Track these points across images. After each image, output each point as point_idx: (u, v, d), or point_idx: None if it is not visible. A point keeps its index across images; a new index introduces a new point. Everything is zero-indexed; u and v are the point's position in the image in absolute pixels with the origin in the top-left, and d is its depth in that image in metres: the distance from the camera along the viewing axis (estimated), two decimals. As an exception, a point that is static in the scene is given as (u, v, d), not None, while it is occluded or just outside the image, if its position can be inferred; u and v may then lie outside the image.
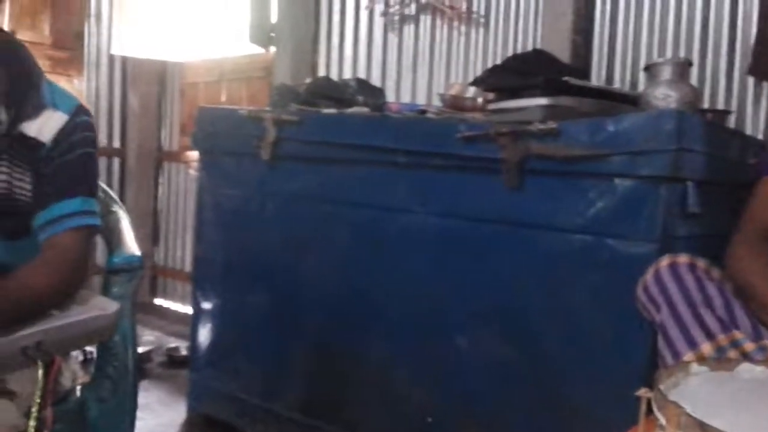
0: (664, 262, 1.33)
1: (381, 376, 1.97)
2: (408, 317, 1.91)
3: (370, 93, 2.35)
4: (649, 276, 1.34)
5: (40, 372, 1.00)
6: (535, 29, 2.54)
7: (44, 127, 1.19)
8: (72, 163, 1.21)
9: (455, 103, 2.22)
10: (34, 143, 1.19)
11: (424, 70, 2.88)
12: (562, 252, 1.63)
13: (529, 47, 2.52)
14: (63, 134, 1.20)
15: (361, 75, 2.99)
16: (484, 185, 1.75)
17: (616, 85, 2.37)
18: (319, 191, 2.12)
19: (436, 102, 2.56)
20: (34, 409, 0.99)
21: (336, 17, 3.19)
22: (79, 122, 1.23)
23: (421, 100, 2.85)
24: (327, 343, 2.10)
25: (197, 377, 2.48)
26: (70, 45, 3.97)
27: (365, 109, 2.21)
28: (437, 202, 1.85)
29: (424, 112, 2.14)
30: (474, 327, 1.78)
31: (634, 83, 2.35)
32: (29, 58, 1.24)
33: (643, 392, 0.88)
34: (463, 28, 2.76)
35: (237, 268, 2.36)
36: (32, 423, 0.99)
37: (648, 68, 1.90)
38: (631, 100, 1.89)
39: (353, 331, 2.04)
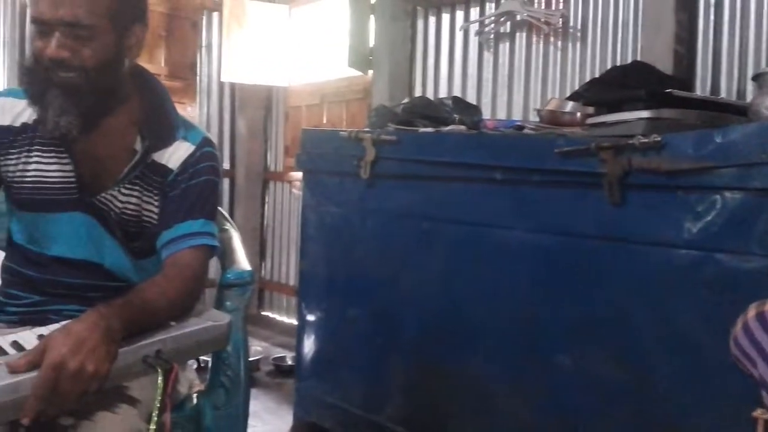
0: (751, 312, 1.25)
1: (480, 392, 1.97)
2: (507, 333, 1.91)
3: (466, 111, 2.37)
4: (738, 329, 1.26)
5: (160, 379, 1.06)
6: (635, 41, 2.49)
7: (173, 155, 1.30)
8: (196, 188, 1.30)
9: (553, 118, 2.20)
10: (163, 170, 1.29)
11: (519, 87, 2.88)
12: (668, 268, 1.58)
13: (628, 59, 2.47)
14: (189, 162, 1.30)
15: (457, 93, 3.01)
16: (584, 201, 1.73)
17: (722, 96, 2.28)
18: (418, 208, 2.16)
19: (533, 118, 2.55)
20: (153, 415, 1.05)
21: (431, 39, 3.24)
22: (205, 152, 1.33)
23: (517, 116, 2.84)
24: (426, 358, 2.13)
25: (302, 387, 2.57)
26: (184, 75, 4.25)
27: (462, 127, 2.23)
28: (535, 218, 1.85)
29: (521, 128, 2.14)
30: (575, 344, 1.76)
31: (741, 93, 2.25)
32: (164, 91, 1.35)
33: (759, 413, 0.84)
34: (559, 43, 2.74)
35: (339, 283, 2.43)
36: (152, 427, 1.05)
37: (756, 78, 1.82)
38: (738, 111, 1.82)
39: (452, 347, 2.05)
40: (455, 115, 2.30)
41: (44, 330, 1.10)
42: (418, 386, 2.15)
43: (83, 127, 1.19)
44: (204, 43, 4.45)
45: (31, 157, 1.27)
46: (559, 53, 2.75)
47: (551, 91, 2.76)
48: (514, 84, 2.90)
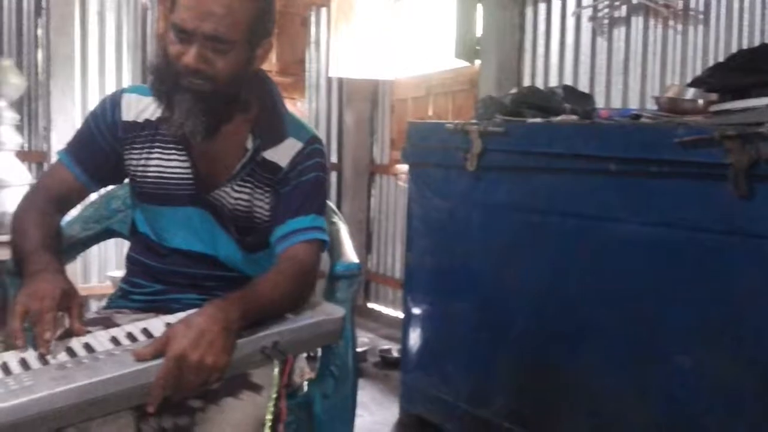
0: None
1: (592, 391, 1.91)
2: (621, 332, 1.84)
3: (578, 100, 2.30)
4: None
5: (276, 369, 1.11)
6: (763, 22, 2.31)
7: (283, 153, 1.34)
8: (305, 185, 1.34)
9: (672, 106, 2.09)
10: (274, 167, 1.34)
11: (636, 74, 2.75)
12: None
13: (756, 43, 2.30)
14: (298, 159, 1.34)
15: (568, 82, 2.92)
16: (706, 193, 1.64)
17: None
18: (526, 201, 2.12)
19: (651, 106, 2.43)
20: (270, 403, 1.10)
21: (541, 26, 3.16)
22: (313, 149, 1.36)
23: (633, 104, 2.72)
24: (536, 353, 2.09)
25: (408, 379, 2.58)
26: (294, 71, 4.37)
27: (573, 117, 2.17)
28: (652, 211, 1.77)
29: (637, 117, 2.04)
30: (696, 345, 1.67)
31: None
32: (276, 91, 1.39)
33: None
34: (679, 27, 2.59)
35: (446, 276, 2.42)
36: (268, 416, 1.10)
37: None
38: None
39: (562, 344, 2.00)
40: (566, 105, 2.23)
41: (172, 318, 1.16)
42: (526, 382, 2.12)
43: (206, 132, 1.25)
44: (313, 39, 4.55)
45: (152, 153, 1.33)
46: (679, 37, 2.60)
47: (670, 77, 2.62)
48: (630, 71, 2.77)
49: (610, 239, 1.87)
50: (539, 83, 3.10)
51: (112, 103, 1.36)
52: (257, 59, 1.30)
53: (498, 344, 2.20)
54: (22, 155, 3.34)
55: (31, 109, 3.72)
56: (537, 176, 2.07)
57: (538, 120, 2.17)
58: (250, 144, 1.32)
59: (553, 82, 3.04)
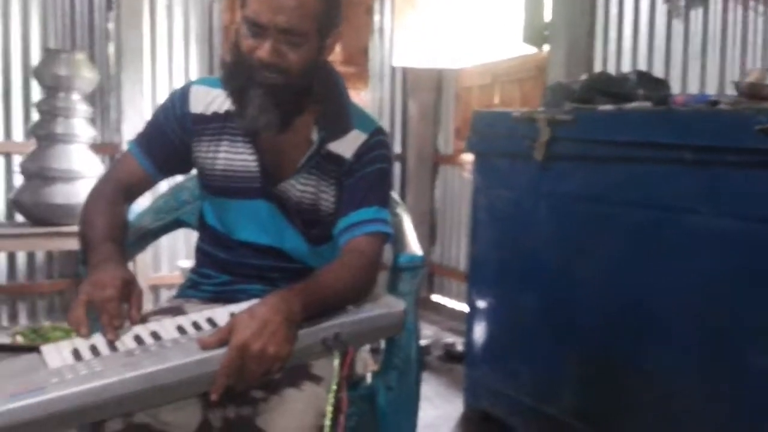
0: None
1: (662, 389, 1.84)
2: (693, 327, 1.77)
3: (652, 85, 2.20)
4: None
5: (336, 361, 1.11)
6: None
7: (348, 145, 1.34)
8: (369, 176, 1.33)
9: (753, 92, 1.97)
10: (338, 159, 1.34)
11: (714, 57, 2.62)
12: None
13: None
14: (362, 151, 1.34)
15: (642, 67, 2.82)
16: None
17: None
18: (596, 191, 2.05)
19: (730, 91, 2.31)
20: (330, 395, 1.11)
21: (614, 9, 3.05)
22: (377, 141, 1.36)
23: (711, 90, 2.60)
24: (603, 349, 2.03)
25: (473, 373, 2.55)
26: (358, 61, 4.36)
27: (647, 103, 2.08)
28: (730, 202, 1.68)
29: (715, 103, 1.94)
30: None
31: None
32: (341, 82, 1.39)
33: None
34: (761, 8, 2.45)
35: (511, 269, 2.38)
36: (329, 408, 1.11)
37: None
38: None
39: (632, 339, 1.93)
40: (640, 91, 2.14)
41: (235, 308, 1.17)
42: (594, 379, 2.06)
43: (281, 125, 1.26)
44: (377, 28, 4.54)
45: (221, 145, 1.35)
46: (761, 19, 2.46)
47: (751, 61, 2.49)
48: (708, 55, 2.65)
49: (683, 232, 1.79)
50: (611, 69, 3.01)
51: (181, 96, 1.37)
52: (326, 50, 1.30)
53: (565, 339, 2.15)
54: (95, 147, 3.46)
55: (103, 102, 3.86)
56: (608, 166, 2.00)
57: (609, 107, 2.10)
58: (315, 136, 1.32)
59: (626, 67, 2.94)
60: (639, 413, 1.91)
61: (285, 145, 1.32)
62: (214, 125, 1.35)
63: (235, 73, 1.26)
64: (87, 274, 1.17)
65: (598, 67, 3.09)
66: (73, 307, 1.11)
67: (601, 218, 2.03)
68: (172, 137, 1.37)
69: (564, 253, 2.16)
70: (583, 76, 2.40)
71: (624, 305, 1.96)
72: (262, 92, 1.22)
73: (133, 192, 1.40)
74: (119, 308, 1.11)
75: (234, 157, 1.34)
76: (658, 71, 2.75)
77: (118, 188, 1.36)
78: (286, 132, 1.28)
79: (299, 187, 1.33)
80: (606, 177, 2.02)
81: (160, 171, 1.40)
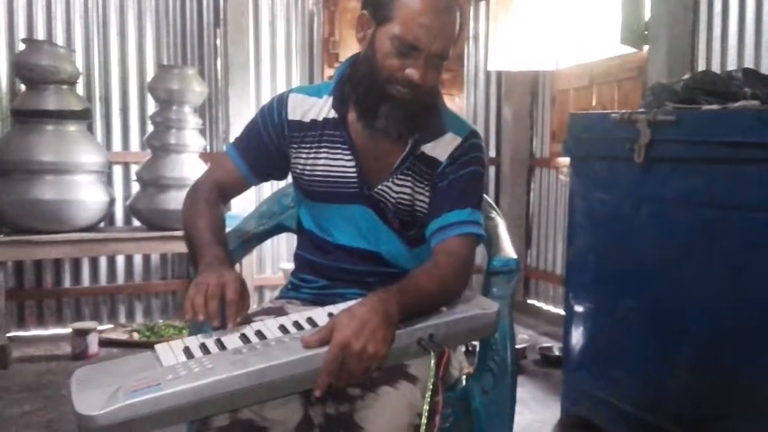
0: None
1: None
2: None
3: (761, 84, 2.10)
4: None
5: (432, 362, 1.12)
6: None
7: (442, 148, 1.36)
8: (463, 178, 1.35)
9: None
10: (433, 162, 1.36)
11: (831, 52, 2.47)
12: None
13: None
14: (456, 154, 1.36)
15: (749, 65, 2.69)
16: None
17: None
18: (701, 195, 1.98)
19: None
20: (427, 395, 1.12)
21: (717, 5, 2.92)
22: (471, 144, 1.38)
23: (827, 86, 2.43)
24: (713, 357, 1.95)
25: (570, 379, 2.51)
26: (453, 66, 4.38)
27: (755, 102, 1.99)
28: None
29: (831, 100, 1.84)
30: None
31: None
32: (436, 88, 1.41)
33: None
34: None
35: (610, 273, 2.33)
36: (426, 407, 1.11)
37: None
38: None
39: (740, 347, 1.85)
40: (747, 89, 2.05)
41: (333, 308, 1.22)
42: (701, 388, 1.98)
43: (406, 138, 1.32)
44: (472, 33, 4.55)
45: (320, 152, 1.39)
46: None
47: None
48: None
49: (798, 235, 1.70)
50: (715, 67, 2.88)
51: (280, 103, 1.43)
52: None
53: (670, 346, 2.08)
54: (205, 156, 3.66)
55: (211, 114, 4.07)
56: (713, 168, 1.93)
57: (714, 107, 2.02)
58: (409, 139, 1.35)
59: (732, 65, 2.81)
60: (750, 424, 1.82)
61: (381, 149, 1.36)
62: (313, 133, 1.39)
63: (368, 87, 1.29)
64: (197, 275, 1.23)
65: (701, 66, 2.97)
66: (191, 295, 1.16)
67: (708, 222, 1.95)
68: (268, 142, 1.42)
69: (668, 257, 2.09)
70: (686, 76, 2.33)
71: (733, 311, 1.88)
72: (394, 106, 1.27)
73: (227, 192, 1.47)
74: (239, 306, 1.17)
75: (333, 163, 1.38)
76: (766, 68, 2.61)
77: (214, 187, 1.43)
78: (377, 136, 1.32)
79: (395, 189, 1.36)
80: (712, 179, 1.94)
81: (255, 174, 1.45)
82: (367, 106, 1.30)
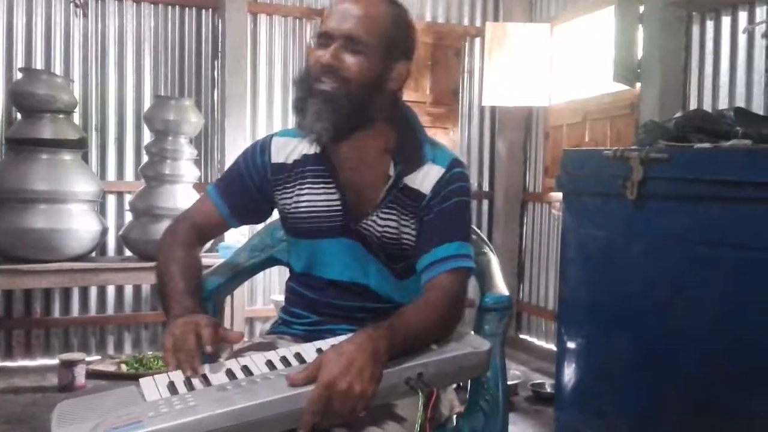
0: None
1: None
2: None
3: (752, 122, 2.12)
4: None
5: (421, 402, 1.10)
6: None
7: (425, 179, 1.35)
8: (449, 210, 1.34)
9: None
10: (416, 194, 1.35)
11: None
12: None
13: None
14: (440, 185, 1.34)
15: (740, 104, 2.72)
16: None
17: None
18: (693, 232, 1.98)
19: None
20: None
21: (709, 45, 2.97)
22: (454, 174, 1.36)
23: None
24: (703, 398, 1.93)
25: (563, 416, 2.48)
26: (447, 101, 4.43)
27: (747, 141, 2.00)
28: (843, 245, 1.58)
29: (822, 140, 1.85)
30: None
31: None
32: (415, 119, 1.42)
33: None
34: None
35: (603, 310, 2.31)
36: (413, 449, 1.10)
37: None
38: None
39: (734, 388, 1.83)
40: (738, 128, 2.07)
41: (322, 344, 1.21)
42: (695, 426, 1.96)
43: (334, 134, 1.29)
44: (467, 69, 4.59)
45: (303, 189, 1.39)
46: None
47: None
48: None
49: (791, 275, 1.70)
50: (707, 106, 2.92)
51: (263, 147, 1.43)
52: (392, 79, 1.33)
53: (662, 385, 2.06)
54: (199, 187, 3.65)
55: (207, 145, 4.08)
56: (705, 206, 1.93)
57: (706, 145, 2.03)
58: (392, 171, 1.35)
59: (723, 104, 2.85)
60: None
61: (364, 182, 1.35)
62: (296, 171, 1.39)
63: (299, 86, 1.31)
64: (168, 325, 1.21)
65: (693, 105, 3.00)
66: (163, 355, 1.16)
67: (701, 260, 1.95)
68: (250, 185, 1.42)
69: (661, 294, 2.08)
70: (678, 114, 2.34)
71: (727, 351, 1.87)
72: (319, 101, 1.27)
73: (205, 234, 1.46)
74: (198, 357, 1.14)
75: (316, 198, 1.37)
76: (757, 107, 2.64)
77: (192, 227, 1.43)
78: (360, 169, 1.32)
79: (381, 222, 1.35)
80: (705, 217, 1.94)
81: (233, 215, 1.44)
82: (300, 107, 1.30)
